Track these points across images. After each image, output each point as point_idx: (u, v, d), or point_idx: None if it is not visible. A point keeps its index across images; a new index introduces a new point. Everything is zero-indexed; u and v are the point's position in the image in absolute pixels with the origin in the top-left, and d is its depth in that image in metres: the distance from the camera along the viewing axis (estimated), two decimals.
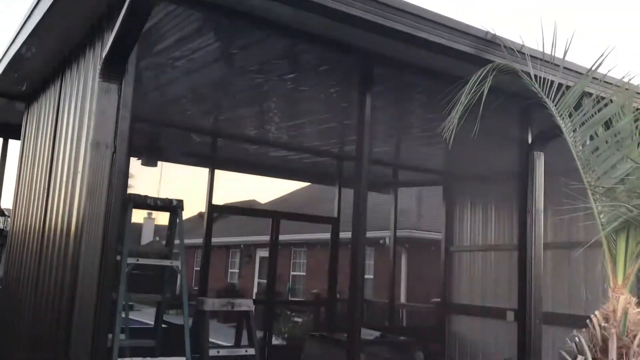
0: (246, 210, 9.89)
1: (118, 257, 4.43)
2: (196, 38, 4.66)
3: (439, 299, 10.38)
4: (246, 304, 5.22)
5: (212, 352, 4.79)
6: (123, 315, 4.62)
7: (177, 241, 4.93)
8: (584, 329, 3.73)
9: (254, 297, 19.96)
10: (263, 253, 20.41)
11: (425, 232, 14.97)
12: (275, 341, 11.30)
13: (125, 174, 3.46)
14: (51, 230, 4.27)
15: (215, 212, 8.40)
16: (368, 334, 6.56)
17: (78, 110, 4.07)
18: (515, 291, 5.48)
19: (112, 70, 3.39)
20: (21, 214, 5.68)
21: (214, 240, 23.01)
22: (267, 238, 9.26)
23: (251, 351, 5.02)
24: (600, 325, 3.66)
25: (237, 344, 5.36)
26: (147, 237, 31.96)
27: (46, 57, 5.06)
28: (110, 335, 4.30)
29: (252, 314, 5.17)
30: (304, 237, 18.28)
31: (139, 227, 35.03)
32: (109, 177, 3.33)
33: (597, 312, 3.74)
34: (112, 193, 3.32)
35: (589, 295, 3.89)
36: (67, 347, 3.28)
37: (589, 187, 3.81)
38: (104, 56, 3.37)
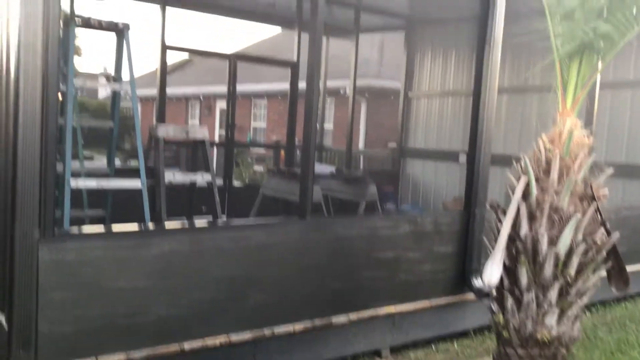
0: (201, 52, 9.53)
1: (63, 88, 4.25)
2: None
3: (395, 145, 10.63)
4: (201, 132, 5.19)
5: (168, 177, 4.82)
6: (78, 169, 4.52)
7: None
8: (529, 151, 3.86)
9: (214, 149, 20.04)
10: (223, 105, 20.18)
11: (386, 81, 14.93)
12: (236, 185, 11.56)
13: None
14: None
15: (168, 51, 8.05)
16: (324, 168, 6.73)
17: None
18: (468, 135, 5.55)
19: None
20: None
21: (173, 91, 22.50)
22: (226, 88, 9.05)
23: (207, 177, 5.08)
24: (545, 147, 3.79)
25: (193, 170, 5.40)
26: (102, 94, 31.10)
27: None
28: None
29: (208, 142, 5.16)
30: (264, 88, 18.08)
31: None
32: None
33: (543, 135, 3.85)
34: (48, 1, 3.09)
35: (540, 130, 3.96)
36: (15, 170, 3.21)
37: (548, 10, 3.74)
38: None
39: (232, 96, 9.12)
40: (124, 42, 4.47)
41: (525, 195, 3.73)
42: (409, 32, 10.19)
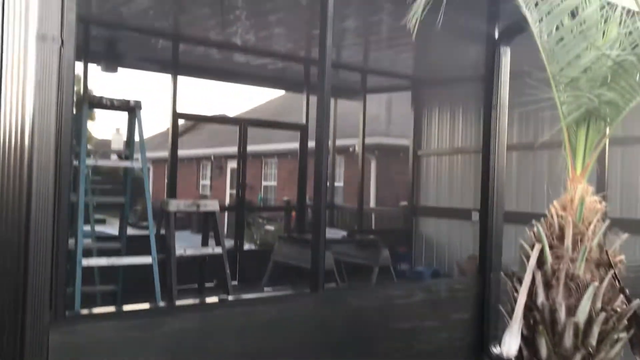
0: (212, 118, 9.74)
1: (76, 163, 4.34)
2: None
3: (406, 203, 10.61)
4: (212, 205, 5.21)
5: (179, 252, 4.82)
6: (87, 229, 4.60)
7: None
8: (542, 218, 3.82)
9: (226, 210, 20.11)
10: (234, 164, 20.34)
11: (395, 139, 15.04)
12: (247, 247, 11.54)
13: (74, 69, 3.30)
14: (6, 130, 4.12)
15: (179, 120, 8.22)
16: (335, 233, 6.70)
17: (23, 1, 3.82)
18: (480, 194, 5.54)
19: None
20: None
21: (184, 153, 22.75)
22: (236, 149, 9.20)
23: (218, 250, 5.07)
24: (557, 214, 3.75)
25: (204, 244, 5.41)
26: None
27: None
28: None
29: (218, 215, 5.18)
30: (274, 148, 18.27)
31: (107, 144, 34.62)
32: (57, 71, 3.17)
33: (555, 202, 3.82)
34: (62, 88, 3.18)
35: (551, 193, 3.96)
36: (26, 252, 3.24)
37: (552, 78, 3.78)
38: None
39: (243, 160, 9.24)
40: (136, 119, 4.57)
41: (540, 262, 3.67)
42: (416, 92, 10.35)
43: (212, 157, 22.38)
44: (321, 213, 4.04)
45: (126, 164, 4.66)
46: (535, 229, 3.78)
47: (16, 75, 3.71)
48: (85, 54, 7.51)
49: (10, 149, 3.89)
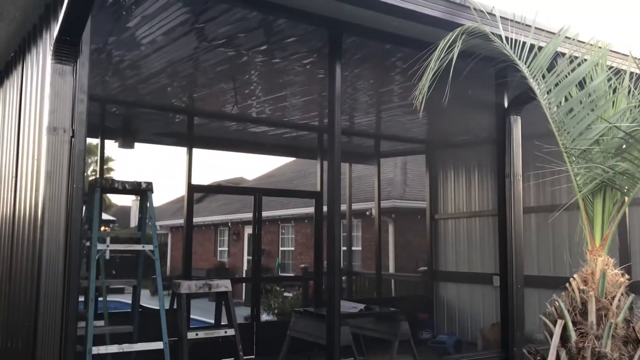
0: (226, 188, 9.81)
1: (88, 244, 4.37)
2: (162, 11, 4.55)
3: (426, 268, 10.42)
4: (224, 285, 5.14)
5: (191, 335, 4.72)
6: (100, 299, 4.55)
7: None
8: (563, 293, 3.70)
9: (244, 275, 19.94)
10: (251, 230, 20.23)
11: (411, 202, 14.94)
12: (265, 317, 11.34)
13: (84, 159, 3.34)
14: (20, 219, 4.17)
15: (194, 192, 8.25)
16: (352, 306, 6.54)
17: (38, 95, 3.94)
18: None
19: (65, 50, 3.25)
20: None
21: (202, 219, 22.65)
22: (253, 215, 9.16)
23: (231, 332, 4.96)
24: (579, 288, 3.63)
25: (217, 325, 5.30)
26: (136, 219, 31.80)
27: (4, 42, 4.89)
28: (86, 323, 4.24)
29: (231, 295, 5.11)
30: (290, 212, 18.27)
31: (127, 210, 34.89)
32: (68, 162, 3.22)
33: (575, 276, 3.70)
34: (72, 178, 3.21)
35: (571, 257, 3.85)
36: (35, 335, 3.21)
37: (564, 149, 3.74)
38: (55, 36, 3.23)
39: (258, 227, 9.19)
40: (147, 202, 4.58)
41: (564, 340, 3.52)
42: (429, 156, 10.34)
43: (229, 223, 22.40)
44: (335, 297, 3.95)
45: (137, 247, 4.65)
46: (556, 303, 3.65)
47: (30, 166, 3.79)
48: (102, 133, 7.68)
49: (24, 237, 3.93)
